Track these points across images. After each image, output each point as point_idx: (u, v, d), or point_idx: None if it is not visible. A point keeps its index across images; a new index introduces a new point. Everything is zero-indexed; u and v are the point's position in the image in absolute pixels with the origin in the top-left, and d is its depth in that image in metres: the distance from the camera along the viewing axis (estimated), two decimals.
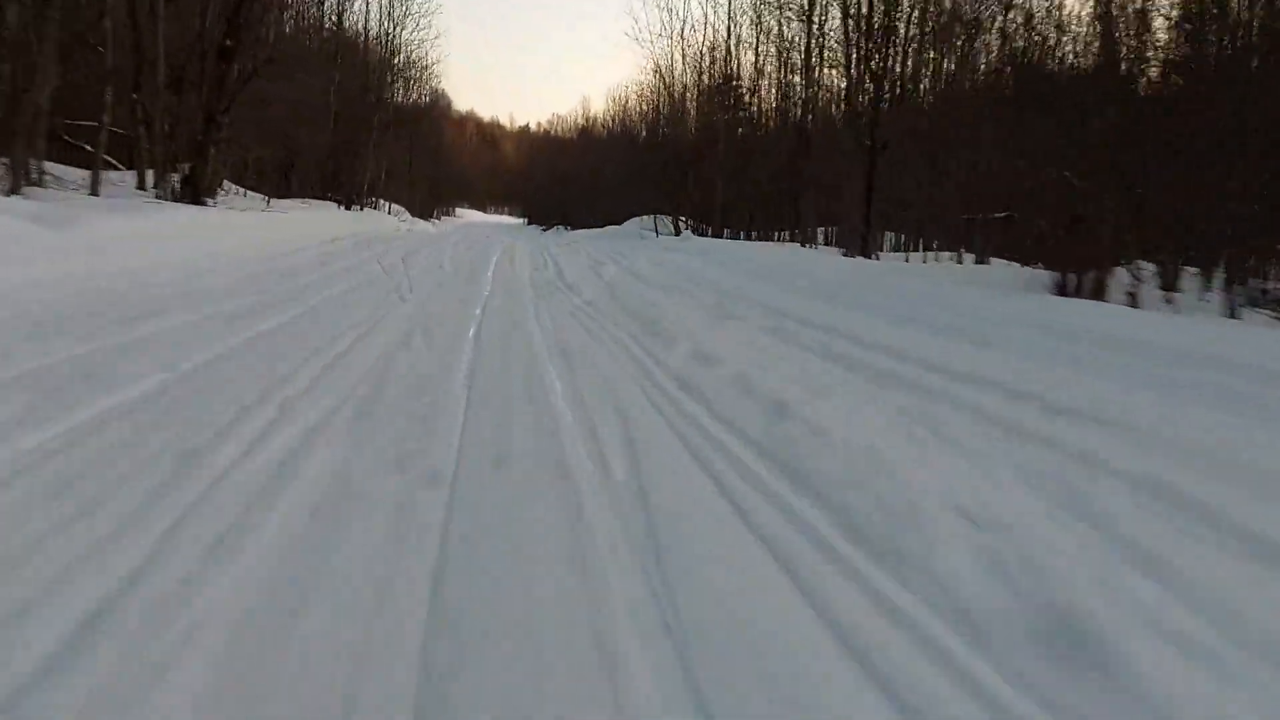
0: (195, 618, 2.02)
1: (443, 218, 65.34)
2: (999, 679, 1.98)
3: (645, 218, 32.17)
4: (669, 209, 29.19)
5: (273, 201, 20.33)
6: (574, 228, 50.50)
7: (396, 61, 33.26)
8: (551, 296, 9.78)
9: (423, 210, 48.73)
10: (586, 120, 61.91)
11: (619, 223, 34.47)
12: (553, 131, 79.80)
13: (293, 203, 21.89)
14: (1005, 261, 15.79)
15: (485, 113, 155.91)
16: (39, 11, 12.02)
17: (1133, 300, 10.33)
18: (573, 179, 53.61)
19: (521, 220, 75.96)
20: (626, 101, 49.82)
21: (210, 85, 15.90)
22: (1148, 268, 11.00)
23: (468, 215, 79.10)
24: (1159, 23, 13.63)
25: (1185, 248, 11.38)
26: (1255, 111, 10.12)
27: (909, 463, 3.42)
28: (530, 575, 2.39)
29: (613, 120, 53.56)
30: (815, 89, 23.77)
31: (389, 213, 33.30)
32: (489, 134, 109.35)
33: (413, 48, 35.42)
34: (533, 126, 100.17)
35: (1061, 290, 11.11)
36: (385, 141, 31.82)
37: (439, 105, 49.43)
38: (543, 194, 65.04)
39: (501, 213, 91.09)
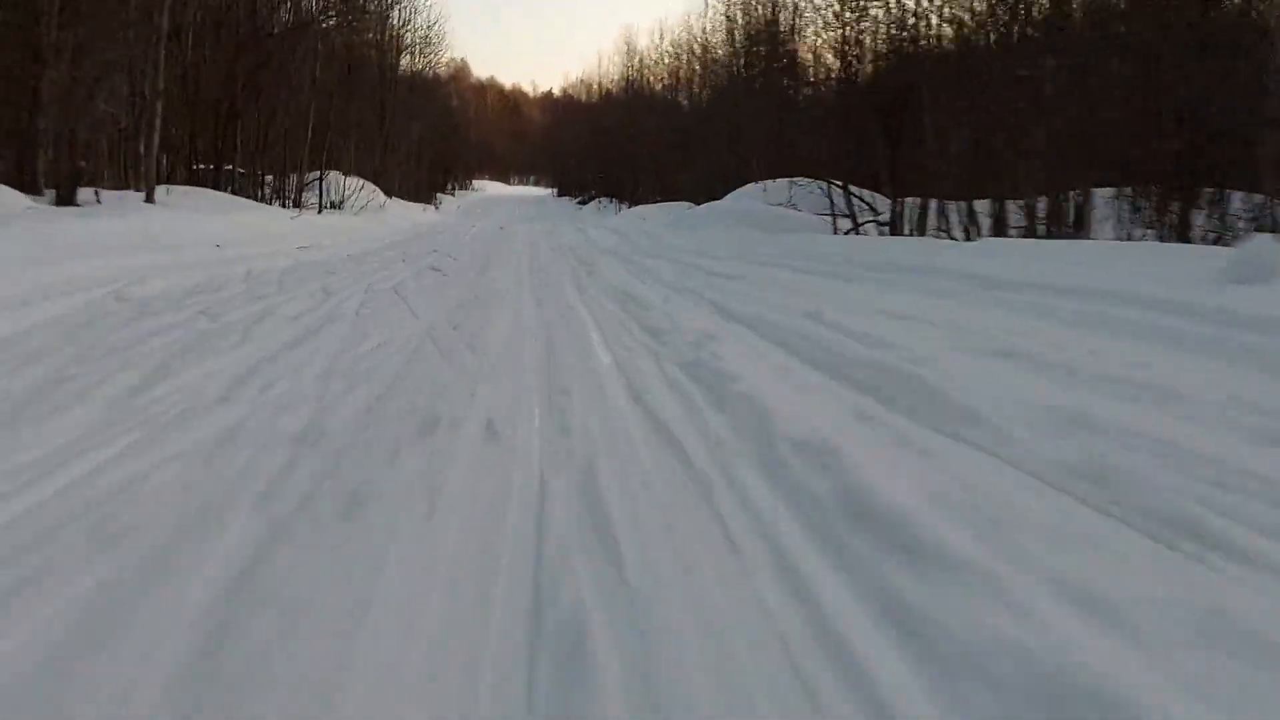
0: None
1: (456, 192, 54.12)
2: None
3: (752, 187, 19.38)
4: (842, 174, 15.18)
5: None
6: (626, 202, 38.07)
7: None
8: None
9: (420, 189, 36.56)
10: (630, 62, 48.76)
11: (715, 196, 21.17)
12: (577, 97, 66.62)
13: None
14: None
15: (506, 80, 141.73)
16: None
17: None
18: (616, 140, 40.90)
19: (549, 191, 64.23)
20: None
21: None
22: None
23: (487, 188, 68.83)
24: None
25: None
26: None
27: None
28: None
29: (676, 56, 40.88)
30: None
31: (334, 200, 20.94)
32: (511, 101, 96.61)
33: None
34: (556, 92, 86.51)
35: None
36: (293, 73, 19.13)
37: (424, 41, 36.32)
38: (576, 160, 53.28)
39: (526, 183, 79.77)
